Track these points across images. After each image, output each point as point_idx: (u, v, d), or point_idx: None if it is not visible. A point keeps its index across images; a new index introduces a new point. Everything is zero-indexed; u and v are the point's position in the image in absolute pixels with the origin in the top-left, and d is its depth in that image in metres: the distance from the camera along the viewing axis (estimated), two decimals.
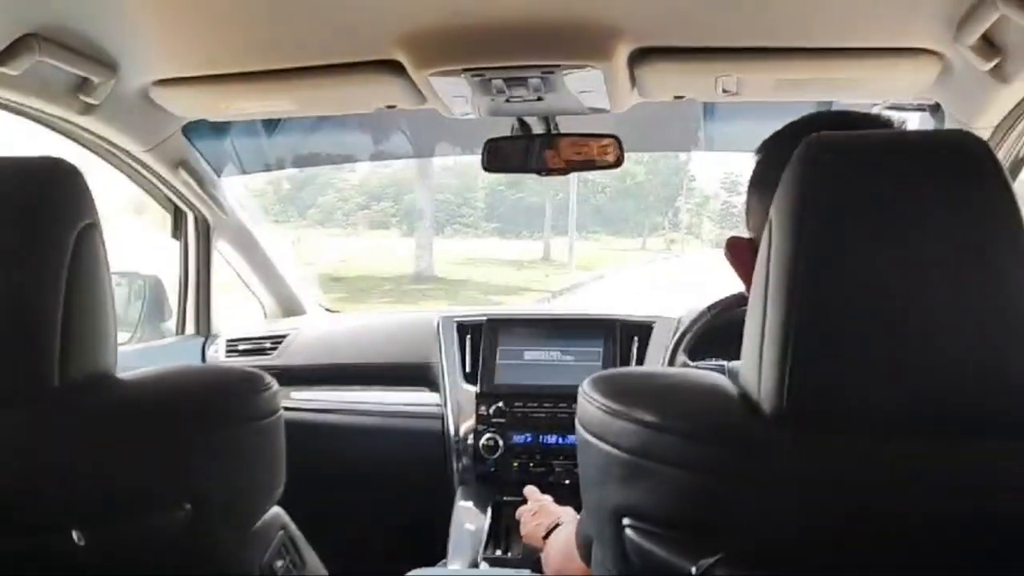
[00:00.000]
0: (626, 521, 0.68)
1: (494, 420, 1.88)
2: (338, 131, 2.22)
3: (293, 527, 0.95)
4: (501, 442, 1.87)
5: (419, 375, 2.04)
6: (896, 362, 0.59)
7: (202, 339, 2.19)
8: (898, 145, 0.65)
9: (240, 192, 2.18)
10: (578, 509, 0.91)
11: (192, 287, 2.16)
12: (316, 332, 2.22)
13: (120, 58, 1.36)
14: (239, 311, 2.38)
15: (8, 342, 0.71)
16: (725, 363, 1.44)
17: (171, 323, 2.18)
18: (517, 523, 1.44)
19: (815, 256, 0.61)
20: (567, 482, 1.81)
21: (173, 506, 0.75)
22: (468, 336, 2.01)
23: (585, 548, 0.86)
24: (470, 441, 1.90)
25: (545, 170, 1.62)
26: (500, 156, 1.63)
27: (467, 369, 1.98)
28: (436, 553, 1.78)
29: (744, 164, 0.88)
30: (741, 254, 0.84)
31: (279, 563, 0.90)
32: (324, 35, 1.32)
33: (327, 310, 2.57)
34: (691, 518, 0.65)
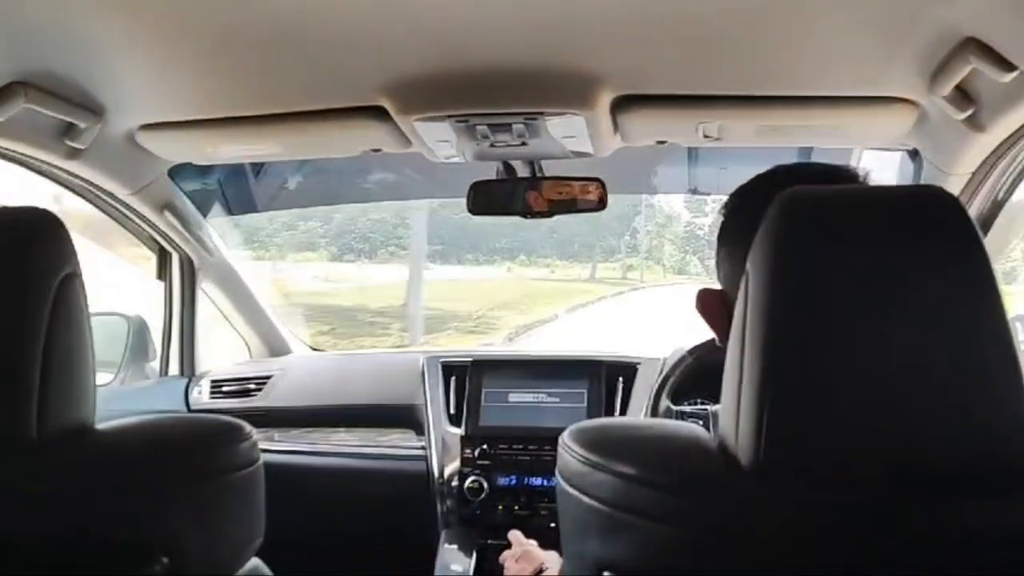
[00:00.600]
0: (606, 575, 0.67)
1: (479, 462, 1.87)
2: (323, 174, 2.23)
3: None
4: (486, 484, 1.85)
5: (404, 416, 2.03)
6: (874, 417, 0.60)
7: (185, 380, 2.17)
8: (871, 200, 0.66)
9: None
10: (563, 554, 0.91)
11: (176, 328, 2.14)
12: (300, 372, 2.21)
13: (106, 103, 1.37)
14: (227, 343, 2.37)
15: None
16: (709, 407, 1.44)
17: (156, 363, 2.16)
18: (501, 567, 1.42)
19: (793, 310, 0.61)
20: (552, 525, 1.79)
21: (149, 559, 0.74)
22: (453, 377, 2.01)
23: None
24: (455, 483, 1.88)
25: (529, 213, 1.63)
26: (485, 199, 1.64)
27: (451, 411, 1.97)
28: None
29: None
30: (712, 306, 0.85)
31: None
32: (310, 82, 1.33)
33: (312, 348, 2.57)
34: (671, 572, 0.64)
